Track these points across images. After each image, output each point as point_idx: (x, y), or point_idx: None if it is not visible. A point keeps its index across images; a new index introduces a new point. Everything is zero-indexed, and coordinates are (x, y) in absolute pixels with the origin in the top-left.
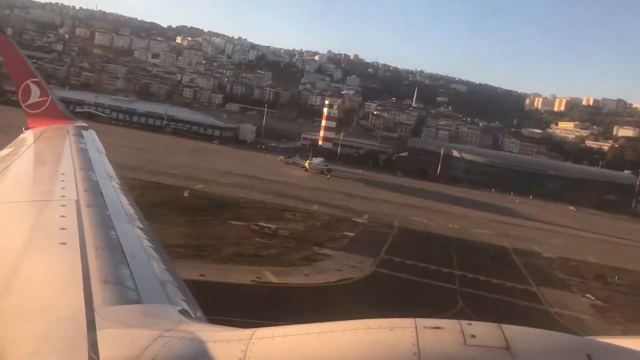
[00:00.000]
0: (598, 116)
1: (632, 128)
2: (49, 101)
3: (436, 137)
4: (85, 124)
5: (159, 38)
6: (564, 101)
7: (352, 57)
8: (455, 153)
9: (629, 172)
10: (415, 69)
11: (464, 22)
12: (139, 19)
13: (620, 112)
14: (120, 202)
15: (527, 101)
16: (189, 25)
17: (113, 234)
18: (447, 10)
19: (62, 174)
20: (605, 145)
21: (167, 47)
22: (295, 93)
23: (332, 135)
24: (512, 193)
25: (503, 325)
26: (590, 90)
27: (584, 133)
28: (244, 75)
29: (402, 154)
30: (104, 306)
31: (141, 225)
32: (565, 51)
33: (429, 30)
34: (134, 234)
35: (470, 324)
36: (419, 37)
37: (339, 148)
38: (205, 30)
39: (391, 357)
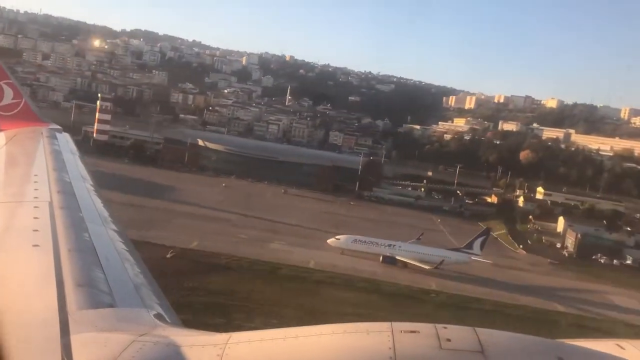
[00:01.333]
0: (502, 112)
1: (515, 123)
2: (22, 103)
3: (266, 131)
4: (60, 127)
5: (74, 41)
6: (473, 99)
7: (287, 59)
8: (200, 142)
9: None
10: (364, 70)
11: (414, 26)
12: (88, 22)
13: (525, 108)
14: (93, 204)
15: (444, 99)
16: (143, 29)
17: (86, 236)
18: (397, 14)
19: (35, 175)
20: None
21: (72, 50)
22: (165, 92)
23: (104, 127)
24: (250, 179)
25: (478, 329)
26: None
27: (465, 128)
28: (130, 75)
29: (168, 145)
30: (77, 310)
31: (115, 228)
32: (497, 52)
33: (383, 34)
34: (107, 236)
35: (445, 327)
36: (371, 41)
37: (92, 139)
38: (161, 33)
39: None
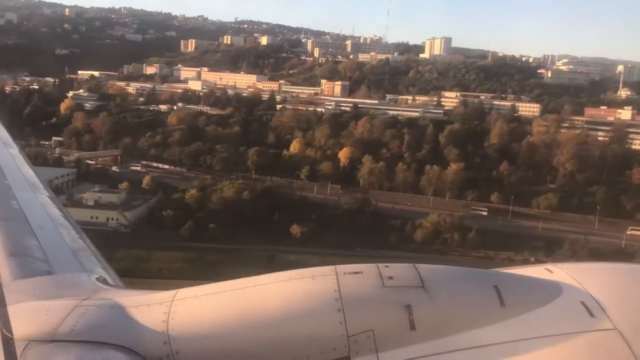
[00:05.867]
0: (209, 53)
1: (156, 65)
2: None
3: None
4: None
5: None
6: (194, 42)
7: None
8: None
9: None
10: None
11: None
12: None
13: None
14: (19, 170)
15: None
16: None
17: (15, 203)
18: None
19: None
20: None
21: None
22: None
23: None
24: None
25: (418, 265)
26: None
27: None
28: None
29: None
30: (12, 280)
31: (46, 194)
32: None
33: None
34: (38, 202)
35: (387, 266)
36: None
37: None
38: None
39: (314, 304)
